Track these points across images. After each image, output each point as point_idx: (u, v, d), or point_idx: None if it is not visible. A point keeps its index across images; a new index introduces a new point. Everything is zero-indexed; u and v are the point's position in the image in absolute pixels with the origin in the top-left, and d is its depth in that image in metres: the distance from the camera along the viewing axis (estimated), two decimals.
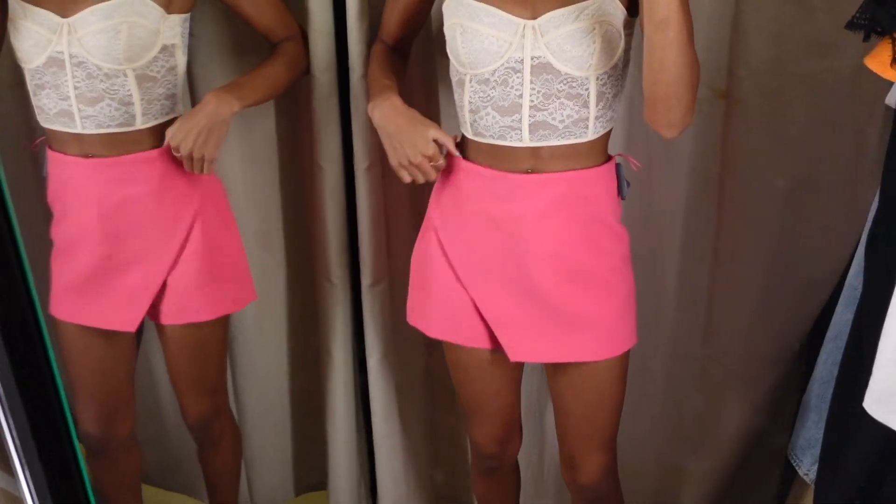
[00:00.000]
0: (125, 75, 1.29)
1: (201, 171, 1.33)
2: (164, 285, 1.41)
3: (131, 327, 1.42)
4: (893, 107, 1.20)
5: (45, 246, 1.46)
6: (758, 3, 1.45)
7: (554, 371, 1.35)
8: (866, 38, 1.08)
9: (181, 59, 1.36)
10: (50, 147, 1.39)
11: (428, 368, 1.83)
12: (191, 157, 1.31)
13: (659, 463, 1.88)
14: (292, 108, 1.59)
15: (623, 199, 1.31)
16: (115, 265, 1.39)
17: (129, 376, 1.51)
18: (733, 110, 1.55)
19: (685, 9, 1.06)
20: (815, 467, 1.55)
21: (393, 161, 1.25)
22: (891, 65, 1.00)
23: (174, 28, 1.33)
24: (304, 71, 1.46)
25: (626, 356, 1.33)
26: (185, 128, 1.30)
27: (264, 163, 1.67)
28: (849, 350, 1.32)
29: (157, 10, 1.29)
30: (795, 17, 1.45)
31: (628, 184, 1.31)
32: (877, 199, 1.27)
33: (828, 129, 1.54)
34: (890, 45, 1.01)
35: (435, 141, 1.22)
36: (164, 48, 1.32)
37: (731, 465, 1.84)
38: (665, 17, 1.05)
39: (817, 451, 1.55)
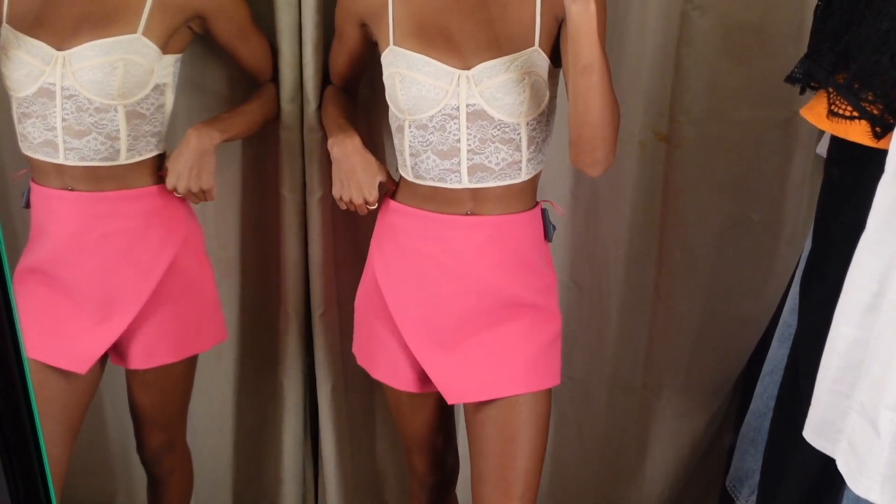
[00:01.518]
0: (115, 111, 1.30)
1: (205, 199, 1.37)
2: (131, 329, 1.38)
3: (82, 369, 1.36)
4: (824, 155, 1.29)
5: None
6: (696, 55, 1.55)
7: (475, 409, 1.36)
8: (802, 91, 1.16)
9: (170, 98, 1.37)
10: (33, 179, 1.37)
11: (375, 398, 1.84)
12: (191, 193, 1.34)
13: (598, 491, 1.93)
14: (258, 137, 1.60)
15: (549, 241, 1.38)
16: (81, 302, 1.36)
17: (76, 424, 1.41)
18: (674, 153, 1.63)
19: (605, 56, 1.15)
20: (754, 497, 1.62)
21: (336, 192, 1.33)
22: (827, 116, 1.08)
23: (167, 68, 1.34)
24: (277, 112, 1.50)
25: (548, 395, 1.34)
26: (175, 170, 1.33)
27: (228, 190, 1.67)
28: (785, 383, 1.40)
29: (155, 49, 1.30)
30: (731, 69, 1.55)
31: (554, 228, 1.38)
32: (809, 239, 1.36)
33: (762, 173, 1.64)
34: (825, 98, 1.09)
35: (380, 183, 1.31)
36: (157, 87, 1.33)
37: (670, 495, 1.90)
38: (588, 63, 1.13)
39: (755, 481, 1.62)
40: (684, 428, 1.85)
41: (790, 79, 1.14)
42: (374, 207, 1.32)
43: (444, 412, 1.48)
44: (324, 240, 1.59)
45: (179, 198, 1.41)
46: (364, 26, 1.34)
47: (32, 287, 1.38)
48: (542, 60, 1.23)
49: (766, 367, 1.60)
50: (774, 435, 1.42)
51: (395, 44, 1.26)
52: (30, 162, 1.36)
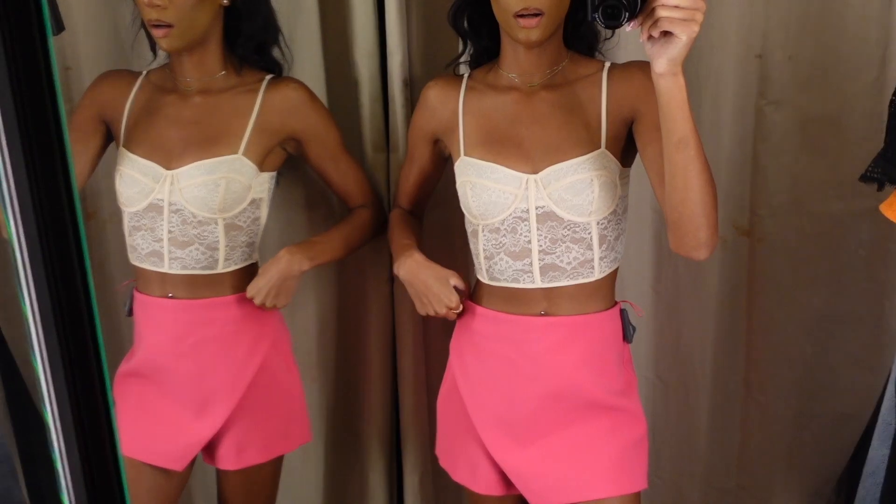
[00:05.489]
0: (216, 223, 1.40)
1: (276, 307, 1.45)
2: (223, 429, 1.43)
3: (180, 466, 1.44)
4: None
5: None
6: (774, 149, 1.54)
7: None
8: (880, 189, 1.15)
9: (264, 212, 1.47)
10: (136, 288, 1.47)
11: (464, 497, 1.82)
12: (264, 305, 1.42)
13: None
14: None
15: (629, 342, 1.36)
16: (177, 402, 1.43)
17: None
18: (757, 247, 1.61)
19: (696, 128, 1.13)
20: None
21: (420, 311, 1.36)
22: None
23: (263, 184, 1.44)
24: (375, 235, 1.56)
25: (635, 501, 1.31)
26: (259, 284, 1.41)
27: (310, 299, 1.73)
28: (887, 487, 1.32)
29: (253, 168, 1.41)
30: (812, 161, 1.54)
31: (634, 329, 1.35)
32: None
33: (851, 266, 1.59)
34: None
35: (455, 287, 1.33)
36: (253, 201, 1.43)
37: None
38: (684, 136, 1.10)
39: None
40: None
41: (865, 178, 1.13)
42: (460, 310, 1.34)
43: None
44: (414, 347, 1.62)
45: None
46: (437, 143, 1.41)
47: (132, 389, 1.46)
48: (609, 161, 1.25)
49: (868, 468, 1.51)
50: None
51: (465, 154, 1.31)
52: (136, 272, 1.46)
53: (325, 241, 1.47)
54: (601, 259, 1.28)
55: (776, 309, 1.64)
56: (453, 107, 1.34)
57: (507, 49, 1.31)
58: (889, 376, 1.53)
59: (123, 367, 1.48)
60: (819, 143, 1.53)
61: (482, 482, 1.36)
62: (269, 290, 1.40)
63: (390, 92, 1.57)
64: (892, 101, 1.19)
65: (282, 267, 1.40)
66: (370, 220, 1.53)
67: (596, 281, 1.29)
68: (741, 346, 1.68)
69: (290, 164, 1.56)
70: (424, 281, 1.33)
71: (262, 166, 1.42)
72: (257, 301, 1.41)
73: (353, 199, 1.54)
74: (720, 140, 1.54)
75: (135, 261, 1.45)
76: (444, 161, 1.45)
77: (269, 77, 1.45)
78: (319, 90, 1.59)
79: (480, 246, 1.32)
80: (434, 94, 1.38)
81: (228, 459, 1.45)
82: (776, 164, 1.55)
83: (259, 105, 1.41)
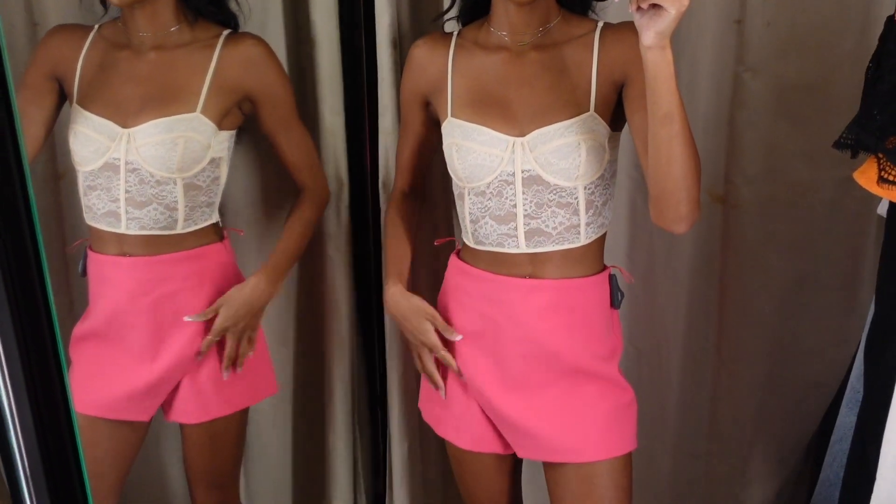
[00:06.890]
0: (175, 183, 1.37)
1: (234, 363, 1.45)
2: (185, 384, 1.43)
3: (146, 416, 1.44)
4: (884, 216, 1.25)
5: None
6: (750, 117, 1.53)
7: (552, 473, 1.34)
8: (853, 156, 1.14)
9: (224, 171, 1.44)
10: (90, 247, 1.45)
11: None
12: (231, 346, 1.43)
13: None
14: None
15: (617, 308, 1.35)
16: (135, 358, 1.41)
17: (128, 467, 1.50)
18: (731, 214, 1.61)
19: (683, 103, 1.11)
20: None
21: (408, 337, 1.37)
22: (877, 182, 1.05)
23: (223, 143, 1.41)
24: (321, 215, 1.56)
25: (626, 463, 1.32)
26: (226, 316, 1.41)
27: None
28: (853, 454, 1.33)
29: (211, 126, 1.37)
30: (789, 129, 1.53)
31: (622, 294, 1.34)
32: (873, 303, 1.31)
33: (822, 234, 1.59)
34: (876, 164, 1.07)
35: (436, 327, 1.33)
36: (212, 161, 1.40)
37: None
38: (669, 111, 1.09)
39: None
40: (754, 497, 1.78)
41: (838, 144, 1.12)
42: (443, 355, 1.33)
43: (509, 482, 1.44)
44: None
45: (230, 258, 1.47)
46: (429, 105, 1.37)
47: (89, 350, 1.44)
48: (598, 125, 1.22)
49: (835, 435, 1.53)
50: None
51: (452, 115, 1.29)
52: (91, 231, 1.43)
53: (286, 259, 1.47)
54: (588, 224, 1.26)
55: (749, 276, 1.64)
56: (442, 66, 1.32)
57: (498, 5, 1.27)
58: (858, 344, 1.55)
59: (79, 329, 1.46)
60: (796, 110, 1.52)
61: (466, 437, 1.36)
62: (237, 323, 1.41)
63: (378, 54, 1.52)
64: (868, 67, 1.17)
65: (246, 294, 1.41)
66: (316, 211, 1.52)
67: (582, 246, 1.28)
68: (713, 313, 1.68)
69: (252, 124, 1.54)
70: (403, 314, 1.35)
71: (220, 125, 1.39)
72: (228, 338, 1.42)
73: (299, 174, 1.50)
74: (696, 106, 1.53)
75: (90, 221, 1.42)
76: (439, 125, 1.40)
77: (226, 32, 1.41)
78: (280, 51, 1.55)
79: (466, 209, 1.30)
80: (421, 53, 1.35)
81: (191, 413, 1.44)
82: (752, 132, 1.54)
83: (216, 61, 1.37)
